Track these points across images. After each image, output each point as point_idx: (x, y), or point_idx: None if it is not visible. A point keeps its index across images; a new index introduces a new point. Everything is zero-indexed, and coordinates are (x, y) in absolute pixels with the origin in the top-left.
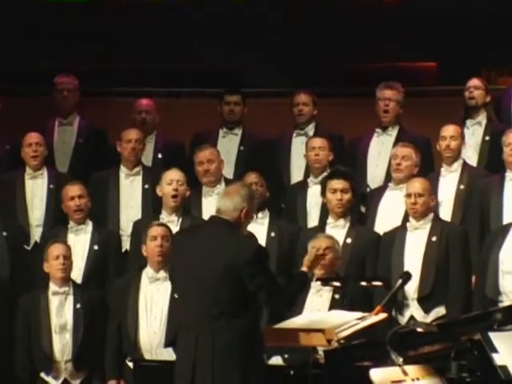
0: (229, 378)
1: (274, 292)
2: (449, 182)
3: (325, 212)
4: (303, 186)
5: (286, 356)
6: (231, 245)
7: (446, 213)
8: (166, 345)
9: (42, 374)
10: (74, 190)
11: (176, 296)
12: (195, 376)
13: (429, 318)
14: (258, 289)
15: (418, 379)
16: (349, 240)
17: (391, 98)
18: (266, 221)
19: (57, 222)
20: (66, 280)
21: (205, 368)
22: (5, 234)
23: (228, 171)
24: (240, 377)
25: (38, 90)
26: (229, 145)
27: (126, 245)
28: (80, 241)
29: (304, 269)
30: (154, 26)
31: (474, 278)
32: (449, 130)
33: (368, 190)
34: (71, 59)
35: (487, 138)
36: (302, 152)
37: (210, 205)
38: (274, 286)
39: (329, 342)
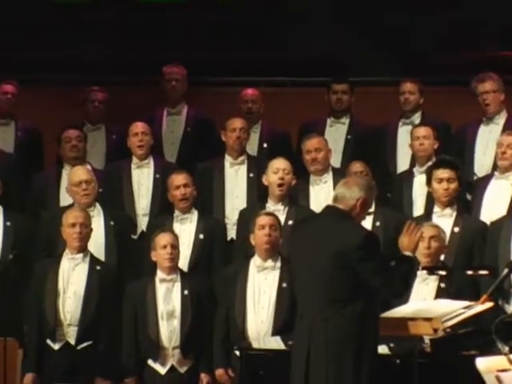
0: (341, 366)
1: (387, 278)
2: None
3: (430, 201)
4: (409, 175)
5: (392, 345)
6: (342, 232)
7: None
8: (274, 333)
9: (149, 361)
10: (179, 179)
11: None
12: (310, 363)
13: None
14: (370, 275)
15: None
16: (456, 229)
17: (489, 91)
18: (371, 210)
19: (162, 211)
20: (174, 269)
21: (319, 356)
22: (112, 223)
23: (335, 160)
24: (352, 365)
25: (145, 80)
26: (336, 134)
27: (231, 233)
28: (185, 230)
29: (407, 253)
30: (261, 18)
31: None
32: None
33: (474, 178)
34: (179, 49)
35: None
36: (408, 141)
37: (317, 193)
38: (387, 272)
39: (435, 330)
